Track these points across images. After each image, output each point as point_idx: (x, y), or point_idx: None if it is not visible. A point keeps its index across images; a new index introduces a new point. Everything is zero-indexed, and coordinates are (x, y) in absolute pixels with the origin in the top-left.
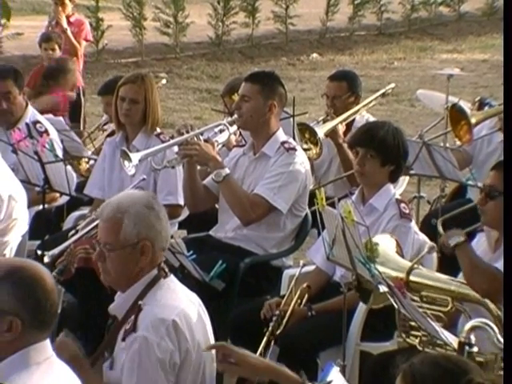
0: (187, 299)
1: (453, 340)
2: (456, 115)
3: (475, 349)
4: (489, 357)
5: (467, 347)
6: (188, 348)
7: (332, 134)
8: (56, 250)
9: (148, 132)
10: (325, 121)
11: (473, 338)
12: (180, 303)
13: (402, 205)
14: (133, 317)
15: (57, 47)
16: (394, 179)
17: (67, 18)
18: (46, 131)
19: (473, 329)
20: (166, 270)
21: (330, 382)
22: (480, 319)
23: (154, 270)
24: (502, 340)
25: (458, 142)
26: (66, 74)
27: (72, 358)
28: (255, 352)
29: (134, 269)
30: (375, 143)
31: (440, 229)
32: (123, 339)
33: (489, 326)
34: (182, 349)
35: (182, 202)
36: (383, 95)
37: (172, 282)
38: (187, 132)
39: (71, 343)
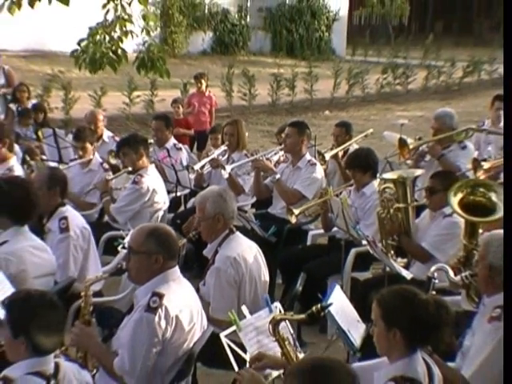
0: (247, 246)
1: (406, 274)
2: (401, 144)
3: (437, 281)
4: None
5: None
6: (243, 273)
7: (335, 156)
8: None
9: (240, 150)
10: (331, 149)
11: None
12: (240, 248)
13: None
14: (214, 256)
15: (180, 106)
16: (372, 177)
17: (203, 94)
18: (181, 148)
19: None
20: (234, 229)
21: (330, 304)
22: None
23: (226, 230)
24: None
25: (402, 159)
26: None
27: (93, 346)
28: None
29: (214, 230)
30: (353, 164)
31: None
32: (208, 269)
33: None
34: (240, 273)
35: None
36: (366, 136)
37: (237, 236)
38: (256, 154)
39: (91, 331)
